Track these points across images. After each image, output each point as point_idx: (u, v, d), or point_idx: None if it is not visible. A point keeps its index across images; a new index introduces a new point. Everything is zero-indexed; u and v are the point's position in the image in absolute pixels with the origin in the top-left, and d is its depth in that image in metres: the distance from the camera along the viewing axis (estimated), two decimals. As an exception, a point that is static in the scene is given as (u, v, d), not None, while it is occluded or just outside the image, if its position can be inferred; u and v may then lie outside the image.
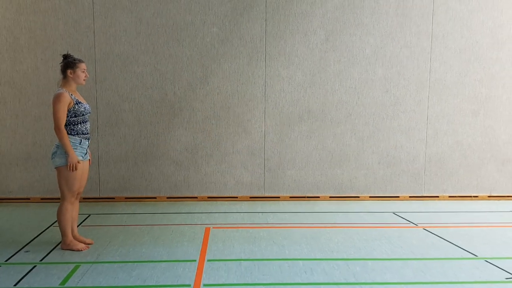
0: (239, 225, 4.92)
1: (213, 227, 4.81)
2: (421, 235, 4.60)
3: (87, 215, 5.34)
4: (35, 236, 4.49)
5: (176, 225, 4.93)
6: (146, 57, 5.96)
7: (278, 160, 6.19)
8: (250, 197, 6.17)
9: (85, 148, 4.08)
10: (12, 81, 5.91)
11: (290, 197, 6.24)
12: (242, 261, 3.80)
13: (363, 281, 3.40)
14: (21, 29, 5.85)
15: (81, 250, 4.01)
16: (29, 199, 6.04)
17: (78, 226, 4.81)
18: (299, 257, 3.90)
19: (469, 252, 4.09)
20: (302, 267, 3.68)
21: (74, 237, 4.12)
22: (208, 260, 3.82)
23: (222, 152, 6.13)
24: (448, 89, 6.23)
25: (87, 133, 4.12)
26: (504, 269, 3.67)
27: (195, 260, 3.82)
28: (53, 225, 4.89)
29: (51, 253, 3.99)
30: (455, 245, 4.29)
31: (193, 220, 5.14)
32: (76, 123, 4.01)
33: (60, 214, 4.02)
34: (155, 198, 6.12)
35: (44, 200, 6.03)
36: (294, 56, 6.06)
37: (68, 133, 3.96)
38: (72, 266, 3.67)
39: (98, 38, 5.91)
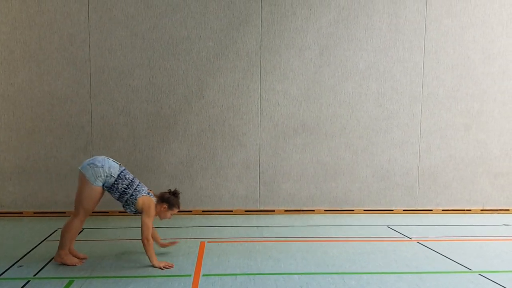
0: (234, 239, 4.91)
1: (208, 241, 4.79)
2: (416, 249, 4.61)
3: (81, 229, 5.29)
4: (28, 250, 4.45)
5: (171, 239, 4.90)
6: (141, 70, 5.99)
7: (273, 174, 6.20)
8: (245, 211, 6.17)
9: (108, 176, 3.99)
10: (6, 94, 5.90)
11: (285, 210, 6.24)
12: (237, 276, 3.79)
13: (359, 295, 3.40)
14: (16, 43, 5.86)
15: (75, 265, 3.98)
16: (22, 213, 6.00)
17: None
18: (294, 271, 3.90)
19: (463, 266, 4.10)
20: (297, 281, 3.67)
21: (69, 251, 4.09)
22: (203, 275, 3.80)
23: (217, 166, 6.14)
24: (441, 103, 6.30)
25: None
26: (498, 282, 3.69)
27: (190, 275, 3.80)
28: (47, 239, 4.85)
29: (45, 268, 3.95)
30: (449, 258, 4.31)
31: (187, 234, 5.12)
32: (117, 190, 4.02)
33: (68, 228, 3.99)
34: (149, 211, 6.08)
35: (37, 214, 5.99)
36: (289, 70, 6.11)
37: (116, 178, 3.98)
38: (66, 281, 3.63)
39: (93, 52, 5.93)
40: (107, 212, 6.06)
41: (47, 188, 6.01)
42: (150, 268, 3.95)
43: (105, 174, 3.92)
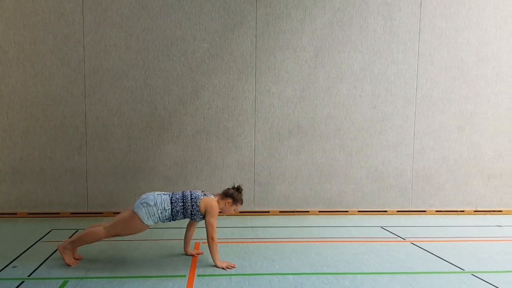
0: (229, 240, 4.91)
1: (202, 242, 4.79)
2: (409, 249, 4.64)
3: (75, 230, 5.29)
4: (23, 251, 4.44)
5: (165, 240, 4.90)
6: (136, 71, 5.99)
7: (268, 175, 6.22)
8: (240, 212, 6.17)
9: (163, 211, 4.02)
10: (0, 95, 5.88)
11: (280, 211, 6.26)
12: (232, 276, 3.79)
13: (352, 295, 3.42)
14: (10, 43, 5.84)
15: (70, 265, 3.98)
16: (16, 214, 5.98)
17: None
18: (289, 272, 3.91)
19: (456, 266, 4.13)
20: (292, 281, 3.69)
21: (69, 249, 4.10)
22: (198, 275, 3.80)
23: (212, 167, 6.14)
24: (435, 105, 6.34)
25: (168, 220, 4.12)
26: (490, 282, 3.72)
27: (185, 276, 3.80)
28: (41, 240, 4.84)
29: (39, 268, 3.94)
30: (442, 259, 4.34)
31: (182, 235, 5.10)
32: (178, 213, 4.05)
33: (93, 234, 3.99)
34: (144, 212, 6.08)
35: (31, 215, 5.97)
36: (284, 71, 6.13)
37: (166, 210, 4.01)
38: (60, 281, 3.63)
39: (87, 53, 5.92)
40: (102, 213, 6.05)
41: (41, 189, 5.99)
42: (145, 269, 3.96)
43: (160, 211, 3.96)
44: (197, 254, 4.38)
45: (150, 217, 3.95)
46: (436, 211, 6.45)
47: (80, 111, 5.95)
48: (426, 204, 6.45)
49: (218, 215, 4.13)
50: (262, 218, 6.02)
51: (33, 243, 4.73)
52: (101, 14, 5.89)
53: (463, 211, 6.48)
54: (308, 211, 6.29)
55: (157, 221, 4.02)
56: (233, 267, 3.98)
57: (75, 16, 5.88)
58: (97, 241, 4.07)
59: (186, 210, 4.03)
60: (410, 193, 6.42)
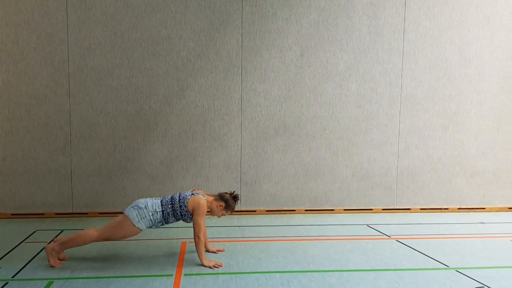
0: (216, 239, 4.90)
1: (189, 242, 4.78)
2: (394, 247, 4.69)
3: (60, 230, 5.24)
4: (6, 252, 4.38)
5: (152, 239, 4.88)
6: (121, 70, 5.94)
7: (254, 174, 6.22)
8: (226, 211, 6.16)
9: (154, 213, 4.04)
10: (-17, 94, 5.79)
11: (266, 210, 6.27)
12: (219, 275, 3.79)
13: (339, 292, 3.44)
14: (-7, 42, 5.76)
15: (54, 267, 3.94)
16: (-1, 214, 5.90)
17: (50, 242, 4.73)
18: (276, 270, 3.92)
19: (441, 263, 4.19)
20: (279, 279, 3.70)
21: (57, 251, 4.07)
22: (185, 275, 3.80)
23: (198, 166, 6.13)
24: (419, 104, 6.41)
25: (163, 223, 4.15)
26: (474, 278, 3.77)
27: (171, 275, 3.79)
28: (25, 241, 4.78)
29: (24, 269, 3.90)
30: (427, 256, 4.39)
31: (169, 235, 5.10)
32: (169, 215, 4.07)
33: (84, 237, 3.98)
34: (129, 212, 6.04)
35: (14, 216, 5.89)
36: (270, 71, 6.14)
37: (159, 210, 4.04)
38: (45, 282, 3.59)
39: (72, 51, 5.87)
40: (87, 213, 5.99)
41: (25, 190, 5.92)
42: (131, 268, 3.93)
43: (150, 213, 3.99)
44: (218, 250, 4.45)
45: (142, 219, 3.96)
46: (421, 209, 6.52)
47: (65, 110, 5.89)
48: (411, 202, 6.52)
49: (206, 215, 4.12)
50: (248, 217, 6.03)
51: (17, 244, 4.67)
52: (85, 13, 5.84)
53: (447, 208, 6.57)
54: (294, 210, 6.31)
55: (150, 224, 4.03)
56: (220, 266, 3.99)
57: (59, 15, 5.81)
58: (87, 243, 4.04)
59: (176, 212, 4.05)
60: (395, 192, 6.48)
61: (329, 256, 4.32)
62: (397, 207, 6.48)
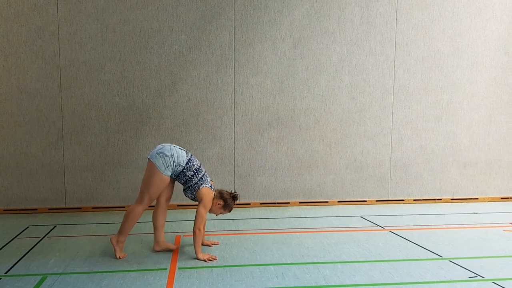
0: (210, 233, 4.90)
1: (183, 235, 4.78)
2: (388, 238, 4.71)
3: (53, 225, 5.22)
4: (-1, 248, 4.36)
5: (146, 234, 4.87)
6: (112, 64, 5.90)
7: (248, 167, 6.21)
8: (220, 204, 6.16)
9: (177, 166, 4.02)
10: (-27, 89, 5.74)
11: (261, 203, 6.27)
12: (213, 268, 3.79)
13: (333, 283, 3.45)
14: (-18, 36, 5.69)
15: (119, 258, 4.00)
16: (-9, 210, 5.86)
17: (44, 237, 4.71)
18: (270, 262, 3.93)
19: (434, 253, 4.21)
20: (273, 272, 3.71)
21: (162, 243, 4.11)
22: (179, 268, 3.79)
23: (191, 160, 6.10)
24: (412, 95, 6.42)
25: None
26: (467, 268, 3.80)
27: (166, 269, 3.79)
28: (18, 237, 4.76)
29: (17, 265, 3.88)
30: (420, 246, 4.42)
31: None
32: (182, 176, 4.06)
33: (131, 214, 4.00)
34: (123, 207, 6.03)
35: (7, 211, 5.86)
36: (263, 63, 6.12)
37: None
38: (38, 278, 3.58)
39: (62, 45, 5.81)
40: (80, 208, 5.97)
41: (17, 185, 5.88)
42: (125, 263, 3.93)
43: (175, 164, 3.96)
44: (213, 244, 4.44)
45: (167, 168, 3.95)
46: (414, 200, 6.55)
47: (56, 105, 5.84)
48: (404, 193, 6.54)
49: None
50: (242, 210, 6.03)
51: (9, 239, 4.65)
52: (76, 6, 5.78)
53: (440, 199, 6.60)
54: (288, 203, 6.32)
55: (172, 173, 4.01)
56: (215, 259, 3.98)
57: (49, 8, 5.75)
58: (139, 217, 4.05)
59: (189, 181, 4.03)
60: (389, 183, 6.50)
61: (323, 248, 4.34)
62: (390, 199, 6.51)
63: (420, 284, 3.45)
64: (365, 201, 6.47)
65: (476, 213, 5.93)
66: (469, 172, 6.64)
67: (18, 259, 4.01)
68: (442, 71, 6.44)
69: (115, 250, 4.04)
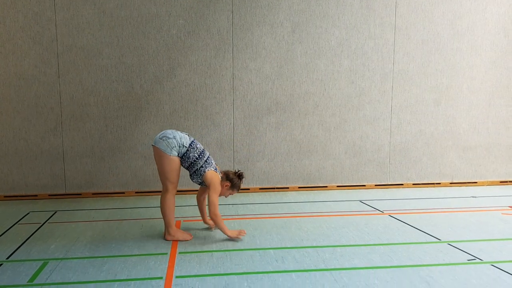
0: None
1: (183, 220, 4.80)
2: (387, 222, 4.73)
3: (54, 211, 5.24)
4: (0, 234, 4.37)
5: (146, 219, 4.89)
6: (110, 49, 5.86)
7: (247, 152, 6.22)
8: (220, 190, 6.17)
9: (180, 146, 4.05)
10: (-30, 76, 5.71)
11: (260, 188, 6.28)
12: (214, 252, 3.81)
13: (332, 267, 3.48)
14: (-21, 22, 5.65)
15: (188, 240, 4.09)
16: (-9, 197, 5.87)
17: (44, 222, 4.73)
18: (270, 247, 3.95)
19: (433, 236, 4.23)
20: (273, 255, 3.73)
21: (175, 230, 4.15)
22: (180, 253, 3.81)
23: (190, 145, 6.10)
24: (411, 79, 6.40)
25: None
26: (466, 251, 3.82)
27: (166, 253, 3.80)
28: (18, 223, 4.77)
29: (18, 250, 3.89)
30: (419, 230, 4.44)
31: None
32: (186, 159, 4.08)
33: (165, 205, 4.07)
34: (123, 193, 6.05)
35: (7, 198, 5.87)
36: (262, 48, 6.08)
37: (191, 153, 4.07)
38: (40, 263, 3.59)
39: (60, 31, 5.77)
40: (80, 194, 5.98)
41: (17, 171, 5.88)
42: (126, 248, 3.95)
43: (178, 144, 4.00)
44: (213, 226, 4.48)
45: (172, 148, 3.98)
46: (413, 184, 6.57)
47: (54, 91, 5.82)
48: (403, 177, 6.56)
49: None
50: (242, 195, 6.04)
51: (10, 225, 4.66)
52: (73, -9, 5.72)
53: (439, 183, 6.62)
54: (287, 187, 6.33)
55: (177, 153, 4.03)
56: (244, 233, 4.12)
57: (45, -7, 5.69)
58: (174, 203, 4.11)
59: (194, 165, 4.06)
60: (388, 167, 6.51)
61: (322, 232, 4.36)
62: (389, 183, 6.53)
63: (419, 267, 3.47)
64: (364, 185, 6.48)
65: (475, 197, 5.95)
66: (468, 156, 6.65)
67: (19, 245, 4.03)
68: (442, 55, 6.41)
69: (180, 240, 4.10)
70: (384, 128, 6.43)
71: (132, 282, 3.22)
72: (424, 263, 3.55)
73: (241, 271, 3.41)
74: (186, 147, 4.02)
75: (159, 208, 4.25)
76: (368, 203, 5.60)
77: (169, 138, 4.00)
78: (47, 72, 5.79)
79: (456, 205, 5.49)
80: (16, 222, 4.78)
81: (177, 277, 3.31)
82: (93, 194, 6.01)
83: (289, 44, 6.13)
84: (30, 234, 4.34)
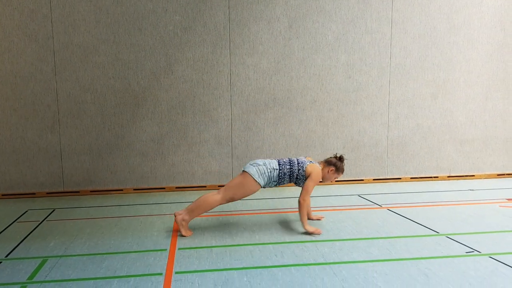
0: (209, 213, 4.91)
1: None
2: (385, 215, 4.74)
3: (52, 209, 5.23)
4: (-2, 232, 4.38)
5: (145, 215, 4.89)
6: (107, 46, 5.84)
7: (245, 148, 6.22)
8: (219, 186, 6.18)
9: (271, 170, 4.18)
10: (-34, 74, 5.68)
11: (258, 184, 6.28)
12: (213, 248, 3.82)
13: (331, 261, 3.48)
14: (-26, 20, 5.62)
15: (185, 236, 4.10)
16: (-11, 195, 5.87)
17: (43, 220, 4.73)
18: (269, 242, 3.95)
19: (431, 230, 4.25)
20: (272, 250, 3.74)
21: (187, 220, 4.16)
22: (179, 249, 3.81)
23: (189, 142, 6.11)
24: (408, 73, 6.40)
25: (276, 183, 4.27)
26: (464, 244, 3.84)
27: (165, 249, 3.81)
28: (17, 221, 4.77)
29: (17, 248, 3.89)
30: (417, 223, 4.45)
31: (161, 211, 5.11)
32: (285, 175, 4.21)
33: (207, 202, 4.13)
34: (121, 190, 6.04)
35: (5, 196, 5.86)
36: (259, 43, 6.07)
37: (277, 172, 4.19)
38: (39, 260, 3.59)
39: (56, 28, 5.74)
40: (78, 192, 5.98)
41: (15, 170, 5.87)
42: (125, 244, 3.94)
43: (269, 170, 4.14)
44: (319, 218, 4.60)
45: (261, 175, 4.11)
46: (411, 178, 6.59)
47: (51, 88, 5.80)
48: (401, 171, 6.58)
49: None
50: (241, 191, 6.03)
51: (8, 224, 4.65)
52: (68, -13, 5.70)
53: (437, 177, 6.64)
54: (286, 183, 6.33)
55: (267, 181, 4.15)
56: (320, 233, 4.11)
57: (41, -10, 5.67)
58: (214, 207, 4.16)
59: (293, 173, 4.18)
60: (386, 161, 6.53)
61: (321, 226, 4.37)
62: (387, 177, 6.54)
63: (417, 260, 3.48)
64: (362, 180, 6.50)
65: (473, 190, 5.97)
66: (466, 150, 6.67)
67: (18, 243, 4.03)
68: (439, 49, 6.42)
69: (180, 229, 4.14)
70: (382, 122, 6.44)
71: (132, 278, 3.22)
72: (423, 256, 3.57)
73: (241, 266, 3.41)
74: (277, 168, 4.17)
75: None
76: (366, 197, 5.62)
77: (259, 165, 4.16)
78: (43, 70, 5.77)
79: (454, 198, 5.51)
80: (15, 220, 4.78)
81: (176, 272, 3.31)
82: (91, 191, 6.01)
83: (286, 40, 6.12)
84: (28, 232, 4.34)
